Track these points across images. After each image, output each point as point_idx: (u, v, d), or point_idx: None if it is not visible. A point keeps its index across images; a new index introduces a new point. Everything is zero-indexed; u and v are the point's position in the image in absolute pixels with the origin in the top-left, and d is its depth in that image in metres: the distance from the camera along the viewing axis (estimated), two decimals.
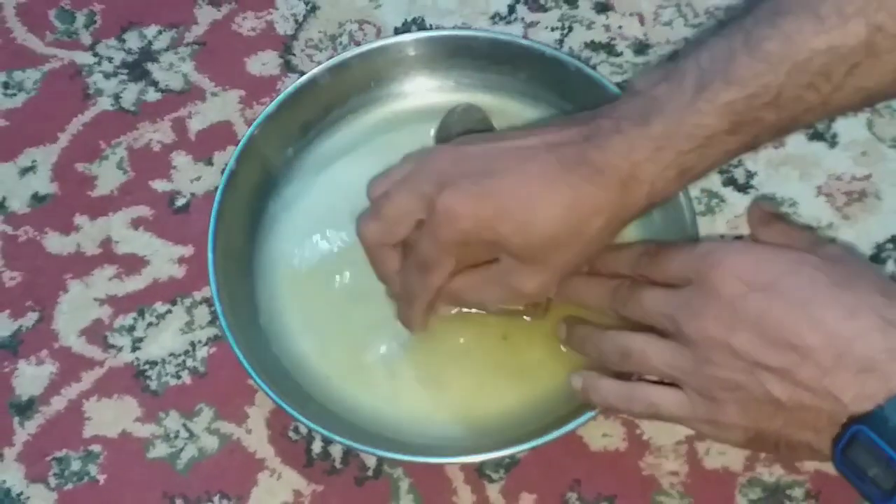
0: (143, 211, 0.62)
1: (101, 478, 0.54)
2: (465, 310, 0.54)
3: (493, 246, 0.47)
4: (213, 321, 0.57)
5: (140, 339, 0.57)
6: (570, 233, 0.46)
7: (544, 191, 0.45)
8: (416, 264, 0.49)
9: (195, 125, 0.65)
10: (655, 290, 0.47)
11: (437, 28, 0.67)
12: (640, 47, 0.65)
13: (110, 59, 0.68)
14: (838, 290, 0.42)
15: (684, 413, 0.45)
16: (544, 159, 0.46)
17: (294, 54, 0.67)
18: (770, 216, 0.53)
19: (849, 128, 0.61)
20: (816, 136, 0.61)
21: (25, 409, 0.56)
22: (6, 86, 0.67)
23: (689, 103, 0.42)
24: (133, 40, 0.68)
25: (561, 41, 0.66)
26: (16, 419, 0.55)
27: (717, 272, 0.44)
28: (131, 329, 0.58)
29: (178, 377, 0.56)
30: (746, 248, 0.47)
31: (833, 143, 0.61)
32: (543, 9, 0.68)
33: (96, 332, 0.58)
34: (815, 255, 0.45)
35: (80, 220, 0.62)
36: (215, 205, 0.56)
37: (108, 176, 0.63)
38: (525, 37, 0.66)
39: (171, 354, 0.57)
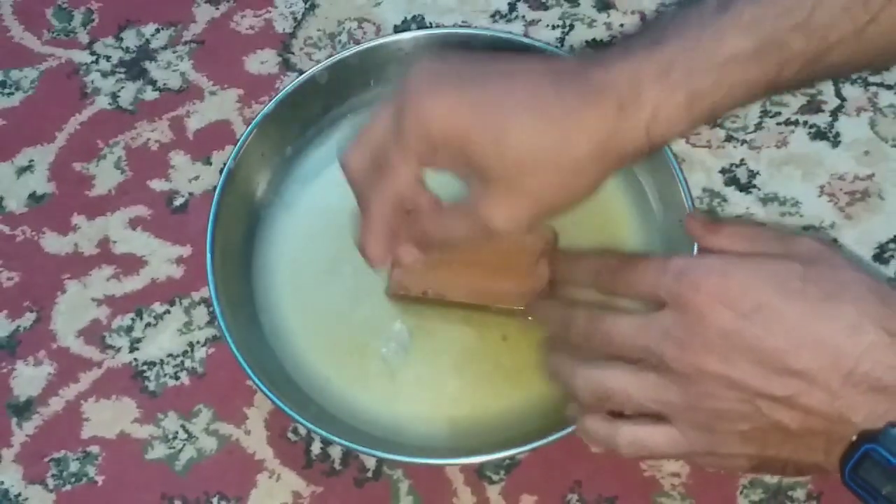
0: (141, 211, 0.61)
1: (100, 479, 0.53)
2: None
3: (462, 160, 0.42)
4: (212, 322, 0.57)
5: (138, 340, 0.57)
6: (549, 152, 0.41)
7: (528, 101, 0.41)
8: (375, 167, 0.44)
9: (193, 124, 0.64)
10: (623, 318, 0.43)
11: (437, 26, 0.67)
12: None
13: (108, 58, 0.67)
14: (835, 304, 0.39)
15: (679, 450, 0.42)
16: (537, 74, 0.42)
17: (293, 53, 0.67)
18: (711, 223, 0.46)
19: (851, 127, 0.61)
20: (819, 136, 0.61)
21: (23, 409, 0.55)
22: (3, 85, 0.67)
23: (709, 22, 0.39)
24: (131, 39, 0.68)
25: (562, 39, 0.66)
26: (14, 420, 0.55)
27: (698, 298, 0.40)
28: (129, 329, 0.57)
29: (177, 378, 0.56)
30: (724, 268, 0.41)
31: (836, 142, 0.61)
32: (544, 7, 0.67)
33: (94, 333, 0.57)
34: (794, 261, 0.41)
35: (77, 219, 0.61)
36: (214, 204, 0.55)
37: (105, 175, 0.63)
38: (526, 35, 0.65)
39: (170, 355, 0.56)
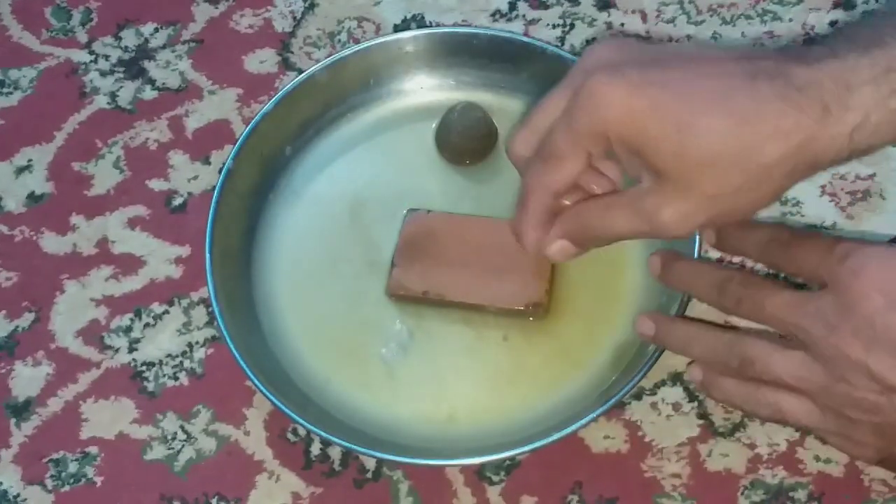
0: (140, 210, 0.61)
1: (98, 480, 0.53)
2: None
3: (636, 153, 0.39)
4: (211, 322, 0.57)
5: (137, 340, 0.57)
6: (736, 153, 0.37)
7: (718, 95, 0.37)
8: (541, 154, 0.42)
9: (192, 124, 0.64)
10: (780, 293, 0.42)
11: (437, 25, 0.67)
12: None
13: (106, 57, 0.67)
14: None
15: (813, 423, 0.43)
16: (729, 63, 0.38)
17: (292, 52, 0.67)
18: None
19: None
20: None
21: (22, 410, 0.55)
22: (2, 84, 0.67)
23: None
24: (129, 38, 0.68)
25: (562, 39, 0.66)
26: (12, 421, 0.55)
27: (856, 284, 0.39)
28: (128, 330, 0.57)
29: (176, 378, 0.56)
30: (888, 257, 0.40)
31: None
32: (545, 6, 0.67)
33: (93, 333, 0.57)
34: None
35: (76, 219, 0.61)
36: (213, 204, 0.55)
37: (104, 175, 0.63)
38: (526, 34, 0.65)
39: (169, 355, 0.56)
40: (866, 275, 0.39)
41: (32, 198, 0.62)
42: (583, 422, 0.48)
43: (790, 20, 0.65)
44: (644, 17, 0.66)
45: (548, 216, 0.43)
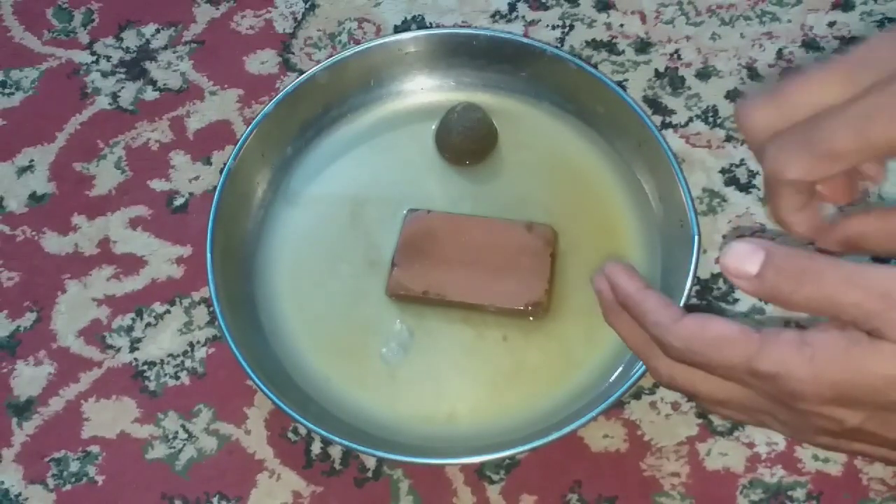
0: (142, 211, 0.61)
1: (100, 479, 0.53)
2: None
3: None
4: (212, 321, 0.57)
5: (138, 340, 0.57)
6: None
7: None
8: (809, 145, 0.35)
9: (193, 124, 0.64)
10: (876, 267, 0.34)
11: (437, 26, 0.67)
12: (642, 46, 0.65)
13: (108, 58, 0.67)
14: None
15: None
16: None
17: (293, 53, 0.67)
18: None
19: None
20: None
21: (23, 409, 0.55)
22: (3, 85, 0.67)
23: None
24: (131, 39, 0.68)
25: (562, 40, 0.66)
26: (14, 420, 0.55)
27: None
28: (130, 329, 0.57)
29: (177, 378, 0.56)
30: None
31: None
32: (544, 7, 0.67)
33: (94, 333, 0.57)
34: None
35: (77, 219, 0.61)
36: (214, 204, 0.55)
37: (106, 175, 0.63)
38: (526, 35, 0.65)
39: (170, 355, 0.56)
40: None
41: (34, 198, 0.62)
42: (582, 421, 0.49)
43: (789, 21, 0.65)
44: (643, 18, 0.66)
45: (808, 199, 0.38)
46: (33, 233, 0.61)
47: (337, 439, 0.49)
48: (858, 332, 0.34)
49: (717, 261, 0.55)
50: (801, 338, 0.34)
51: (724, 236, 0.58)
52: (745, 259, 0.35)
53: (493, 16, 0.67)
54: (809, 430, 0.37)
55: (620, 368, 0.52)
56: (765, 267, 0.35)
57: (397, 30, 0.67)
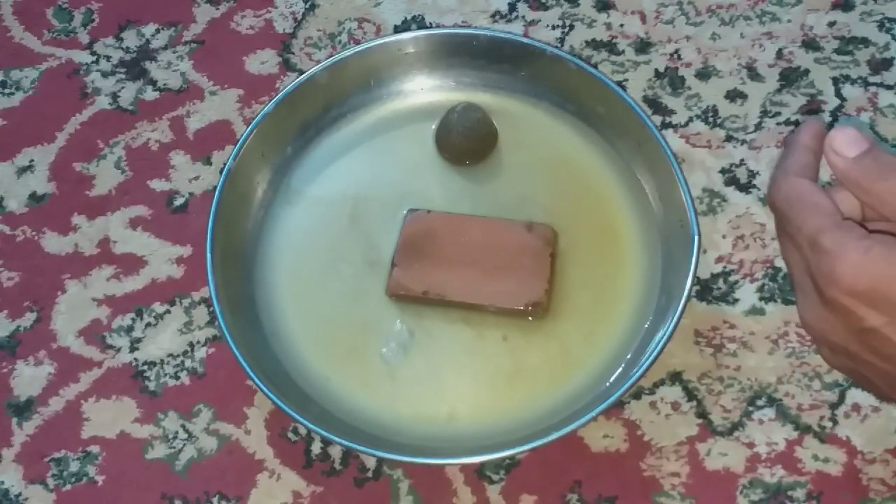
0: (142, 211, 0.61)
1: (100, 479, 0.53)
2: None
3: None
4: (212, 322, 0.57)
5: (138, 340, 0.57)
6: None
7: None
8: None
9: (193, 124, 0.64)
10: None
11: (437, 26, 0.67)
12: (642, 46, 0.65)
13: (108, 58, 0.67)
14: None
15: None
16: None
17: (293, 53, 0.67)
18: None
19: None
20: None
21: (24, 409, 0.55)
22: (3, 85, 0.67)
23: None
24: (131, 39, 0.68)
25: (562, 40, 0.66)
26: (14, 420, 0.55)
27: None
28: (130, 329, 0.57)
29: (177, 378, 0.56)
30: None
31: None
32: (544, 7, 0.67)
33: (94, 333, 0.57)
34: None
35: (78, 219, 0.61)
36: (214, 204, 0.55)
37: (106, 175, 0.63)
38: (526, 35, 0.65)
39: (170, 355, 0.56)
40: None
41: (34, 198, 0.62)
42: (582, 421, 0.49)
43: (789, 21, 0.65)
44: (643, 18, 0.66)
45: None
46: (33, 233, 0.61)
47: (337, 439, 0.49)
48: None
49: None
50: (868, 234, 0.38)
51: (724, 236, 0.58)
52: (852, 142, 0.39)
53: (493, 16, 0.67)
54: (832, 334, 0.39)
55: (620, 369, 0.52)
56: (865, 153, 0.39)
57: (397, 30, 0.67)
